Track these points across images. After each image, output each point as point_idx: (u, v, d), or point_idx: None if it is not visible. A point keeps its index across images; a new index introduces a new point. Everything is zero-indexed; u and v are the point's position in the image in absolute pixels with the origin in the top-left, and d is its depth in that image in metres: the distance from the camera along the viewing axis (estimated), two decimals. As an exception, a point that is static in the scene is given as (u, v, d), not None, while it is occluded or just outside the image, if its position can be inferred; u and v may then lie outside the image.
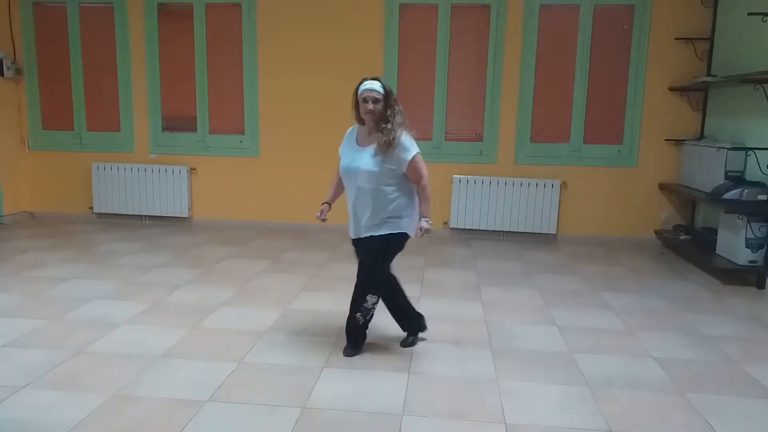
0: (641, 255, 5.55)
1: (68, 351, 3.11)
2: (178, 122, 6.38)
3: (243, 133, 6.26)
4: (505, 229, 6.01)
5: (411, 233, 3.11)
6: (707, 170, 5.03)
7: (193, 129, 6.33)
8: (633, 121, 5.83)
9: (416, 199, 3.11)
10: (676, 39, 5.62)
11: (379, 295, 3.16)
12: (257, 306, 3.88)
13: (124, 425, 2.43)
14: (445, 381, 2.89)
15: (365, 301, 3.10)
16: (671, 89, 5.71)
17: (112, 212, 6.43)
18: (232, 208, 6.38)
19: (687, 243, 5.42)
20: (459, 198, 5.99)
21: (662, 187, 5.84)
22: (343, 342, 3.29)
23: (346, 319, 3.19)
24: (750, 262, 4.54)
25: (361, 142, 3.08)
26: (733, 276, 4.72)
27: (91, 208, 6.48)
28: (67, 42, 6.31)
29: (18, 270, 4.55)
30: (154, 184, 6.31)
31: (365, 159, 3.00)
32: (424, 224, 3.04)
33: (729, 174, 4.78)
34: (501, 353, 3.23)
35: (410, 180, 3.05)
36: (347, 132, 3.21)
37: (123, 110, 6.35)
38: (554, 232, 5.97)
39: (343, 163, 3.11)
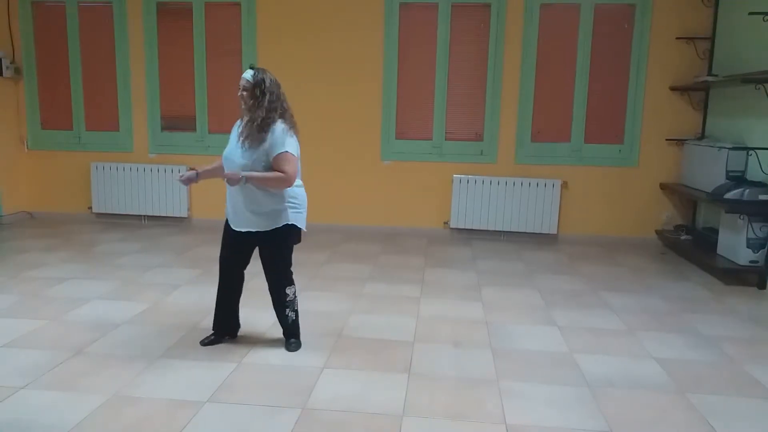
0: (642, 255, 5.54)
1: (68, 351, 3.10)
2: (177, 122, 6.37)
3: (243, 133, 6.24)
4: (505, 229, 6.00)
5: (300, 225, 3.12)
6: (708, 170, 5.02)
7: (193, 129, 6.33)
8: (634, 121, 5.82)
9: (300, 192, 3.11)
10: (677, 38, 5.62)
11: (293, 283, 3.21)
12: (257, 306, 3.86)
13: (124, 425, 2.42)
14: (445, 381, 2.88)
15: (286, 295, 3.18)
16: (672, 89, 5.71)
17: (111, 212, 6.42)
18: (231, 208, 6.36)
19: (688, 243, 5.41)
20: (459, 198, 5.98)
21: (663, 187, 5.83)
22: (344, 342, 3.29)
23: (294, 319, 3.26)
24: (751, 262, 4.54)
25: (242, 133, 3.02)
26: (734, 276, 4.71)
27: (90, 208, 6.46)
28: (67, 41, 6.30)
29: (17, 270, 4.54)
30: (154, 184, 6.30)
31: (240, 153, 2.97)
32: (230, 173, 2.93)
33: (730, 174, 4.78)
34: (501, 353, 3.22)
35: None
36: (237, 123, 3.13)
37: (122, 110, 6.34)
38: (555, 232, 5.96)
39: (225, 152, 3.07)
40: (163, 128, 6.38)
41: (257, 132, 2.94)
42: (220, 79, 6.22)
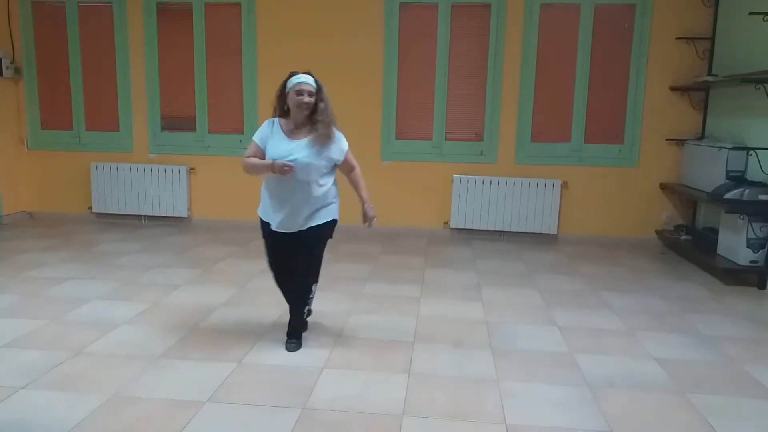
0: (642, 255, 5.54)
1: (68, 351, 3.10)
2: (177, 122, 6.37)
3: (242, 133, 6.25)
4: (505, 229, 6.00)
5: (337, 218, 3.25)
6: (708, 170, 5.02)
7: (193, 129, 6.33)
8: (634, 121, 5.82)
9: (337, 187, 3.25)
10: (677, 38, 5.62)
11: (318, 281, 3.31)
12: (257, 306, 3.87)
13: (124, 425, 2.42)
14: (445, 381, 2.88)
15: (310, 292, 3.26)
16: (672, 89, 5.71)
17: (111, 212, 6.41)
18: (231, 208, 6.37)
19: (688, 243, 5.41)
20: (459, 198, 5.98)
21: (663, 187, 5.83)
22: (344, 342, 3.30)
23: (289, 318, 3.27)
24: (751, 262, 4.54)
25: (290, 135, 3.08)
26: (734, 276, 4.71)
27: (90, 208, 6.46)
28: (67, 41, 6.30)
29: (17, 270, 4.54)
30: (154, 184, 6.30)
31: (303, 151, 3.02)
32: (369, 210, 3.20)
33: (730, 174, 4.78)
34: (501, 353, 3.22)
35: (342, 170, 3.22)
36: (266, 124, 3.14)
37: (122, 110, 6.34)
38: (555, 232, 5.96)
39: (275, 154, 3.03)
40: (163, 128, 6.38)
41: (330, 135, 3.05)
42: (220, 80, 6.22)
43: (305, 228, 3.11)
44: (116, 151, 6.41)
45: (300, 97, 2.99)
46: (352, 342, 3.33)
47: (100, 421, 2.45)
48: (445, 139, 6.07)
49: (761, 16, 4.58)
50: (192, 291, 4.17)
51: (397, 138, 6.13)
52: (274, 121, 3.15)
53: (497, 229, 6.02)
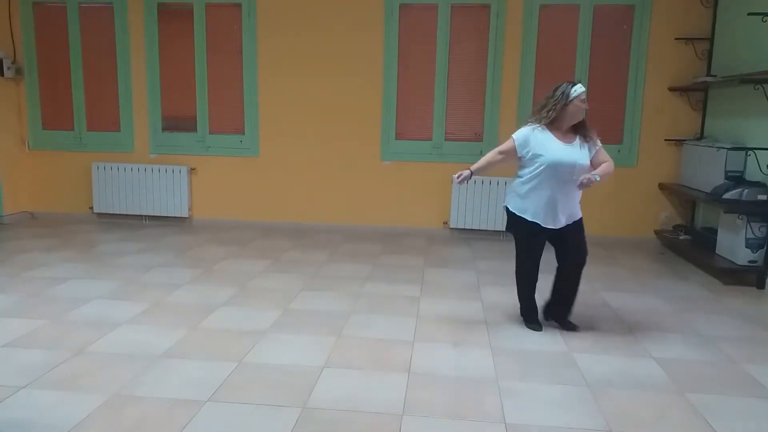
0: (641, 255, 5.55)
1: (68, 351, 3.11)
2: (178, 122, 6.38)
3: (243, 134, 6.26)
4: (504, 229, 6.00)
5: None
6: (707, 170, 5.03)
7: (193, 129, 6.34)
8: (633, 121, 5.83)
9: None
10: (676, 39, 5.63)
11: None
12: (257, 306, 3.88)
13: (124, 425, 2.43)
14: (445, 381, 2.89)
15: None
16: (671, 89, 5.72)
17: (112, 212, 6.43)
18: (232, 208, 6.39)
19: (687, 243, 5.42)
20: (459, 198, 5.99)
21: (662, 187, 5.84)
22: (344, 341, 3.30)
23: (566, 304, 3.61)
24: (750, 262, 4.55)
25: (564, 140, 3.37)
26: (733, 276, 4.72)
27: (91, 208, 6.48)
28: (68, 42, 6.32)
29: (18, 270, 4.55)
30: (155, 184, 6.31)
31: (581, 155, 3.36)
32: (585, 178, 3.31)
33: (729, 174, 4.79)
34: (501, 353, 3.23)
35: (599, 163, 3.43)
36: (528, 129, 3.42)
37: (123, 110, 6.36)
38: (554, 232, 5.96)
39: (554, 157, 3.32)
40: (164, 128, 6.39)
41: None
42: (220, 80, 6.24)
43: (570, 222, 3.43)
44: (117, 152, 6.42)
45: (584, 105, 3.34)
46: (352, 342, 3.34)
47: (100, 420, 2.46)
48: (445, 140, 6.08)
49: (760, 17, 4.58)
50: (193, 291, 4.18)
51: (397, 138, 6.14)
52: (542, 128, 3.38)
53: (497, 229, 6.02)
